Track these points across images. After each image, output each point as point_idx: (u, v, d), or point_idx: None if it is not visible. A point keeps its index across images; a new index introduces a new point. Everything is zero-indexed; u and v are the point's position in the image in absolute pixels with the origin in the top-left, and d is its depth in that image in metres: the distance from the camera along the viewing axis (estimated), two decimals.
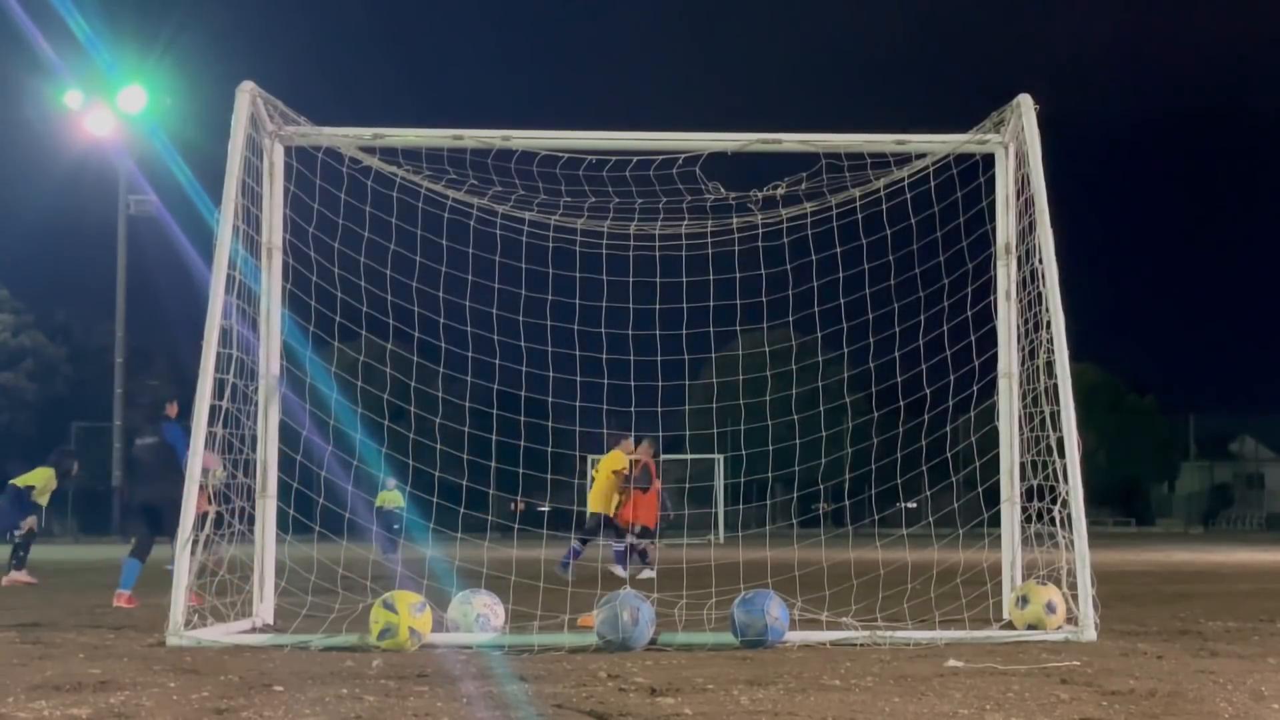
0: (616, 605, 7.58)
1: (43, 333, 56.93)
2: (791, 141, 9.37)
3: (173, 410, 11.86)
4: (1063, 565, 8.64)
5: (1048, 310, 8.64)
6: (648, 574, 15.28)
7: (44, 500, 15.96)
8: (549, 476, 10.35)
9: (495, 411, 10.17)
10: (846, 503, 11.80)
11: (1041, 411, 8.85)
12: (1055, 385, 8.58)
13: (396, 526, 21.48)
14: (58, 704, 5.36)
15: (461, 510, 9.76)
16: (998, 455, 9.55)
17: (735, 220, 9.49)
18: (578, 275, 9.50)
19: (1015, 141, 9.32)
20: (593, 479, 17.64)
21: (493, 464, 10.07)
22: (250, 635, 8.27)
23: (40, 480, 15.84)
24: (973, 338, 9.49)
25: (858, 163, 9.28)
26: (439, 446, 9.76)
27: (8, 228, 61.91)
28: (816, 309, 9.80)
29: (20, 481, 15.78)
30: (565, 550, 16.03)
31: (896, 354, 9.79)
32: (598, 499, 17.12)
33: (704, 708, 5.28)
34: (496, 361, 9.70)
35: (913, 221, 9.46)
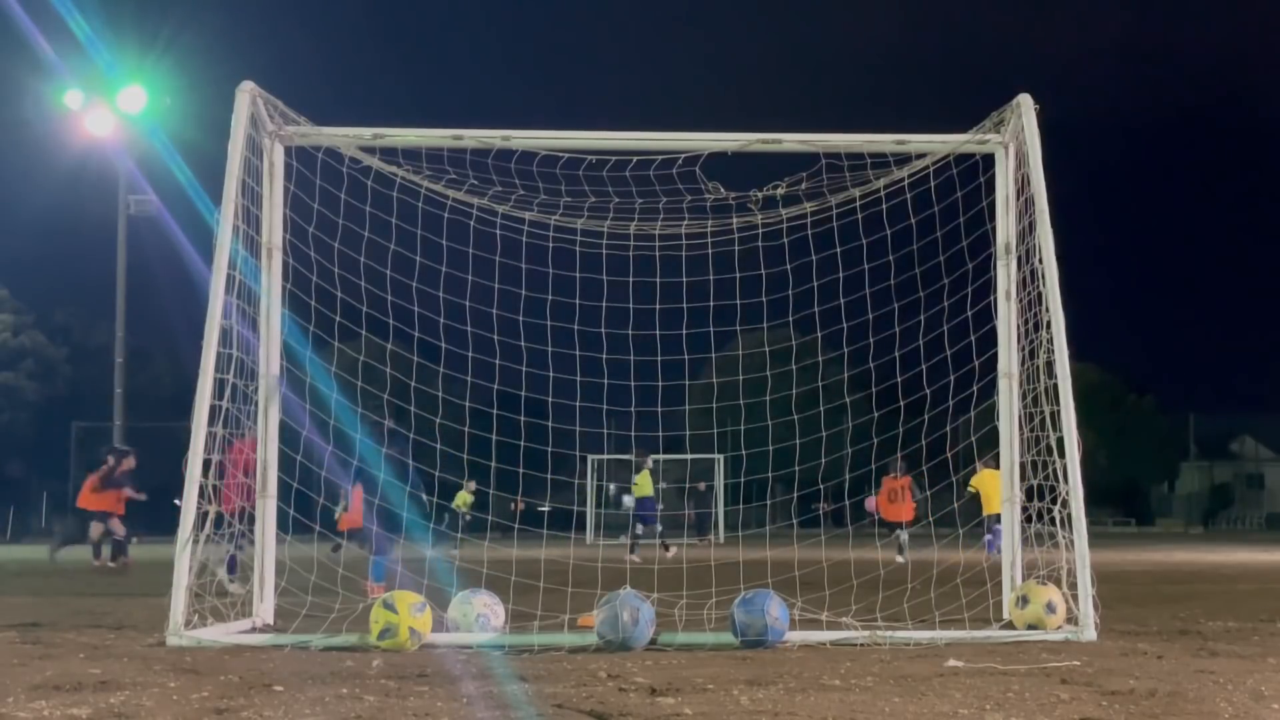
0: (616, 605, 7.58)
1: (43, 333, 56.98)
2: (791, 141, 9.36)
3: None
4: (1063, 565, 8.63)
5: (1048, 310, 8.64)
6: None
7: None
8: (549, 476, 10.34)
9: (495, 411, 10.16)
10: (846, 503, 11.80)
11: (1041, 411, 8.85)
12: (1055, 385, 8.58)
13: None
14: (58, 704, 5.36)
15: (461, 510, 9.75)
16: (998, 455, 9.56)
17: (735, 220, 9.49)
18: (578, 275, 9.50)
19: (1015, 141, 9.31)
20: (973, 494, 18.74)
21: (493, 464, 10.07)
22: (250, 635, 8.27)
23: None
24: (973, 338, 9.49)
25: (858, 163, 9.27)
26: (439, 446, 9.76)
27: (8, 228, 61.92)
28: (816, 309, 9.79)
29: None
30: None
31: (896, 354, 9.78)
32: (997, 502, 18.24)
33: (704, 708, 5.28)
34: (496, 361, 9.70)
35: (913, 221, 9.46)
